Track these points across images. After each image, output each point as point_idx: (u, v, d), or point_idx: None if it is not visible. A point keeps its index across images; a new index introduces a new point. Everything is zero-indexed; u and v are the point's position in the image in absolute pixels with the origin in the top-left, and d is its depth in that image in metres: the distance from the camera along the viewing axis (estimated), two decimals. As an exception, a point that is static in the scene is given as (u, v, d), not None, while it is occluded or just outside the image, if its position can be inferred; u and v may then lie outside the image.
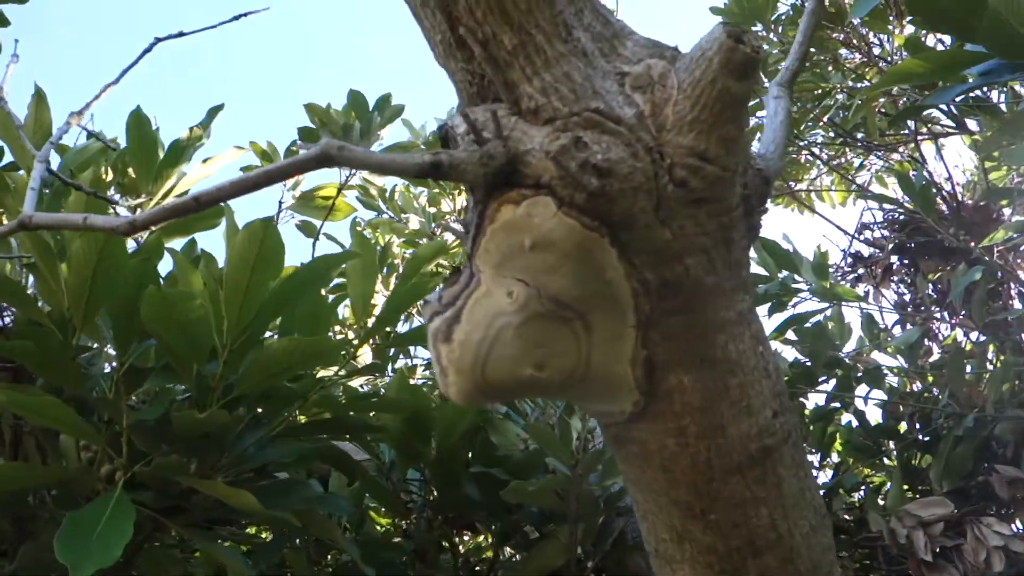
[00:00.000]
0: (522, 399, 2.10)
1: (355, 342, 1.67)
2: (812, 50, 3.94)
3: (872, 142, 4.51)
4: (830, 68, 3.84)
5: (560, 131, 0.86)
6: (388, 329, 1.88)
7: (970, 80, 1.44)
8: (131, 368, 1.52)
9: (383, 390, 2.37)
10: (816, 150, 4.79)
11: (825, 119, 4.01)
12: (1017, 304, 3.61)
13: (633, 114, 0.88)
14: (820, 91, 3.91)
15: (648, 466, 1.01)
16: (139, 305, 1.39)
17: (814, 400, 3.65)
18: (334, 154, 0.84)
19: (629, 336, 0.93)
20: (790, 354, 3.60)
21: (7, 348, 1.36)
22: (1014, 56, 1.31)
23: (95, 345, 1.60)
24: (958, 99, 1.60)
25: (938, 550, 3.00)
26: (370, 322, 1.66)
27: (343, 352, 1.58)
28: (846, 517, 3.60)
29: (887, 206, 3.97)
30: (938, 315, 3.87)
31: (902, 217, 4.09)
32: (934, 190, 3.72)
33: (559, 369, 0.91)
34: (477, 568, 2.25)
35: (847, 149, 4.88)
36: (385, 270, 3.83)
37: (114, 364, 1.54)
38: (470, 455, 2.09)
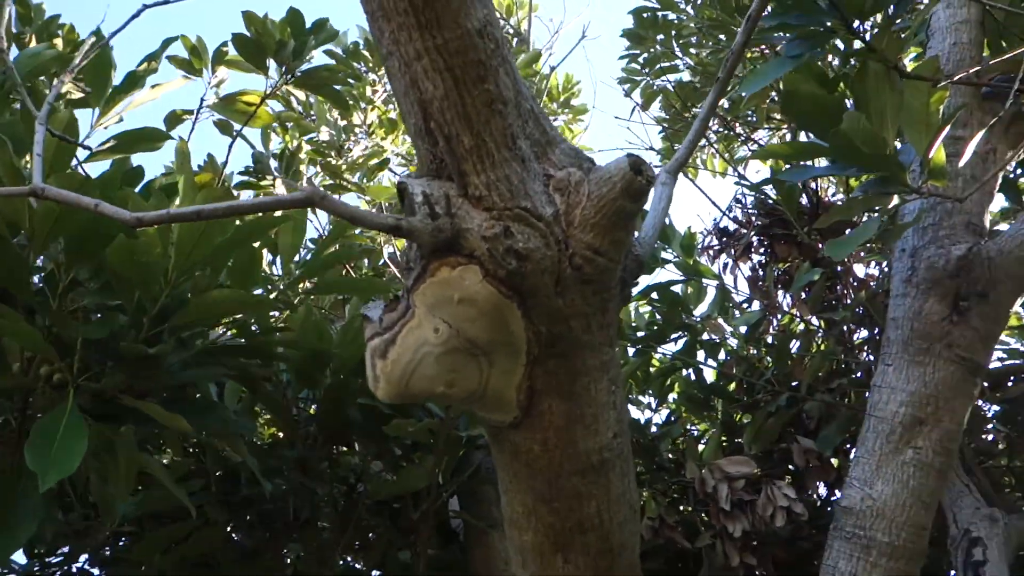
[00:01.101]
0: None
1: (279, 298, 1.92)
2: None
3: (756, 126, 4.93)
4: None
5: (496, 219, 1.14)
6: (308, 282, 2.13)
7: (821, 167, 1.80)
8: (73, 282, 1.73)
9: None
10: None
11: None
12: (848, 301, 4.12)
13: (551, 213, 1.17)
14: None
15: (516, 460, 1.34)
16: (90, 236, 1.60)
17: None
18: (316, 201, 1.09)
19: (519, 370, 1.24)
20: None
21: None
22: (852, 162, 1.66)
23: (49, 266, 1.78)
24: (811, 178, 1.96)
25: (736, 500, 3.48)
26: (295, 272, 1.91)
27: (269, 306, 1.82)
28: (669, 457, 4.04)
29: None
30: (780, 297, 4.35)
31: (769, 203, 4.52)
32: (800, 187, 4.15)
33: (464, 389, 1.22)
34: (349, 480, 2.57)
35: (734, 124, 5.27)
36: (288, 173, 3.98)
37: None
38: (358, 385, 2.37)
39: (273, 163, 4.01)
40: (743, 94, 3.49)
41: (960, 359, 2.07)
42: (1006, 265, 2.08)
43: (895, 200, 1.80)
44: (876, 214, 2.07)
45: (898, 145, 1.78)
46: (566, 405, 1.28)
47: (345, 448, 2.65)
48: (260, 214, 1.78)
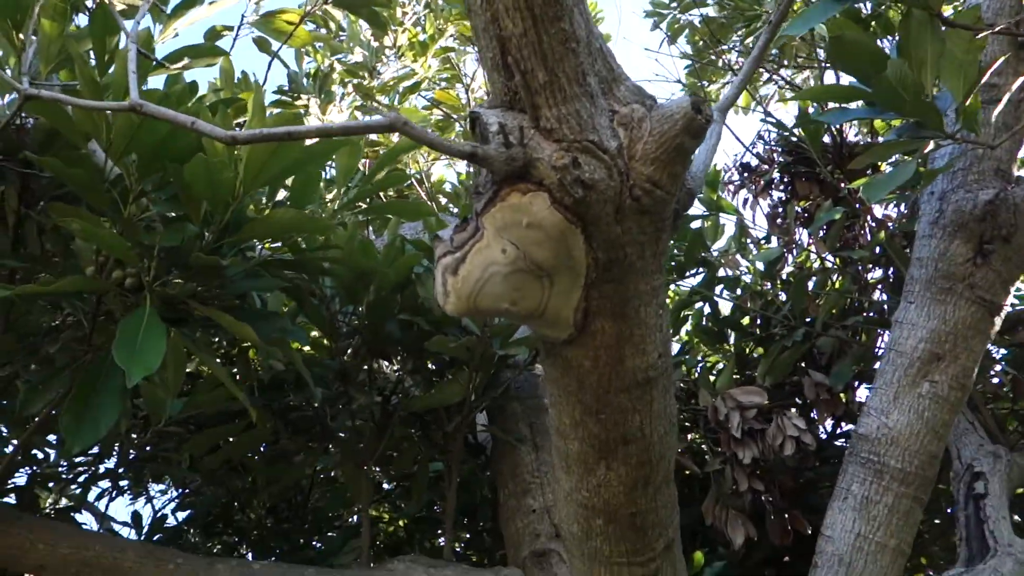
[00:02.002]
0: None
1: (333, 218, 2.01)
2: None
3: (784, 62, 4.93)
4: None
5: (565, 151, 1.22)
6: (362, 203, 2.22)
7: (861, 110, 1.87)
8: (141, 192, 1.82)
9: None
10: (733, 59, 5.17)
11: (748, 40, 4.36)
12: (865, 241, 4.19)
13: (615, 146, 1.26)
14: (752, 13, 4.25)
15: (567, 374, 1.45)
16: (163, 151, 1.69)
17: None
18: (399, 126, 1.18)
19: (577, 292, 1.34)
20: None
21: (60, 171, 1.64)
22: (892, 107, 1.73)
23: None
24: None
25: (747, 429, 3.61)
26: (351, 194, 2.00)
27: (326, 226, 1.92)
28: (681, 386, 4.17)
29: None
30: (799, 235, 4.43)
31: (793, 141, 4.56)
32: (825, 126, 4.18)
33: (526, 307, 1.32)
34: (385, 392, 2.70)
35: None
36: (321, 93, 4.03)
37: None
38: (399, 302, 2.49)
39: (305, 82, 4.05)
40: (788, 35, 3.49)
41: (981, 300, 2.16)
42: (1031, 211, 2.16)
43: (930, 145, 1.87)
44: (907, 157, 2.14)
45: (936, 91, 1.85)
46: (617, 326, 1.38)
47: (384, 362, 2.78)
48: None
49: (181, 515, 3.69)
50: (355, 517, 3.98)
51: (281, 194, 2.19)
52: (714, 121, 1.56)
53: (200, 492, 3.57)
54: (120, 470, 2.92)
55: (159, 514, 3.57)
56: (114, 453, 2.89)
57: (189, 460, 2.89)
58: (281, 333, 1.92)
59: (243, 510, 3.48)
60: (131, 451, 2.79)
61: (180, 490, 3.77)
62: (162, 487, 3.93)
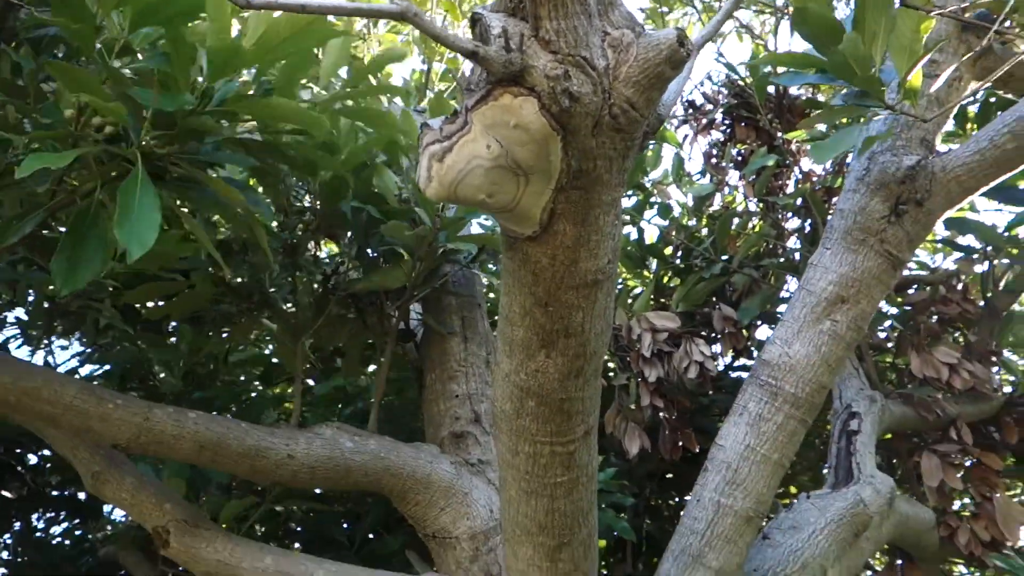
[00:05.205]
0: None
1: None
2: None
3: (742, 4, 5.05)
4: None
5: (559, 63, 1.34)
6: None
7: (813, 75, 2.05)
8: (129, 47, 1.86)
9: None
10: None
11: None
12: (790, 191, 4.44)
13: (603, 65, 1.38)
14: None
15: (524, 267, 1.59)
16: (159, 6, 1.73)
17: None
18: (409, 16, 1.28)
19: (548, 194, 1.47)
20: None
21: (53, 22, 1.66)
22: (842, 76, 1.90)
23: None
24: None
25: (656, 350, 3.85)
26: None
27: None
28: None
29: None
30: (731, 176, 4.64)
31: (739, 85, 4.73)
32: (772, 77, 4.36)
33: (500, 201, 1.45)
34: (327, 271, 2.80)
35: None
36: None
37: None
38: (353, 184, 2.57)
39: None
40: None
41: (888, 254, 2.40)
42: (944, 181, 2.39)
43: (871, 113, 2.05)
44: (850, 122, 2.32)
45: (881, 65, 2.02)
46: (577, 230, 1.53)
47: (331, 246, 2.87)
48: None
49: (90, 370, 3.74)
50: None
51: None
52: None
53: (108, 351, 3.62)
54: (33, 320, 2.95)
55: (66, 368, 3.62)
56: (28, 302, 2.92)
57: (120, 315, 2.95)
58: (254, 204, 2.00)
59: (154, 374, 3.57)
60: (46, 302, 2.83)
61: (86, 348, 3.80)
62: (64, 343, 3.94)
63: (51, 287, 2.43)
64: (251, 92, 1.88)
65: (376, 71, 2.13)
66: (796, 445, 2.49)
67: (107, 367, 3.65)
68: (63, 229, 2.30)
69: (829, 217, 2.64)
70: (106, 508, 4.42)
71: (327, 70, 2.10)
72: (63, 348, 4.01)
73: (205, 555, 2.38)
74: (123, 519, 4.60)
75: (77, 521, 4.38)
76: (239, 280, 2.77)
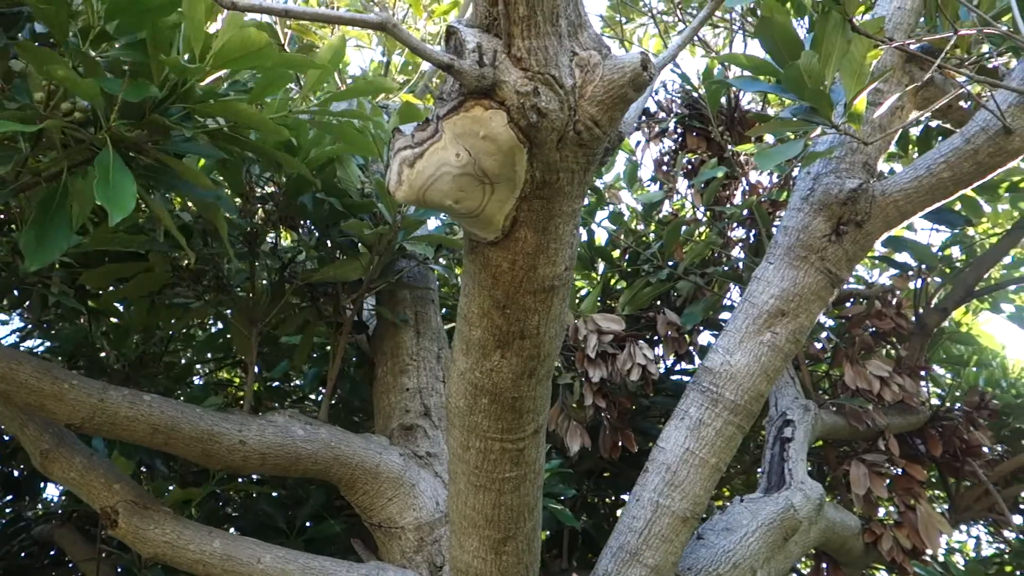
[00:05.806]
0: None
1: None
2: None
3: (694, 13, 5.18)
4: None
5: (529, 79, 1.41)
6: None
7: (768, 85, 2.15)
8: (104, 35, 1.87)
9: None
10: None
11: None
12: (737, 203, 4.57)
13: (571, 84, 1.45)
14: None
15: (485, 271, 1.66)
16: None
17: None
18: (388, 27, 1.34)
19: (512, 202, 1.54)
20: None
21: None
22: (794, 90, 2.00)
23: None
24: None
25: (601, 351, 3.94)
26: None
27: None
28: None
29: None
30: (680, 184, 4.76)
31: (693, 96, 4.85)
32: (725, 89, 4.49)
33: (466, 207, 1.52)
34: (284, 260, 2.83)
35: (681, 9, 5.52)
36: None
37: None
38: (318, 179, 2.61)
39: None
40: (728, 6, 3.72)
41: (828, 271, 2.52)
42: (884, 205, 2.52)
43: (817, 130, 2.15)
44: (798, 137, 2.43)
45: (832, 85, 2.13)
46: (537, 237, 1.60)
47: (290, 236, 2.90)
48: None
49: (30, 346, 3.70)
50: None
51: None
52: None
53: (52, 329, 3.60)
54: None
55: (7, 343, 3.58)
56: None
57: (75, 294, 2.94)
58: (216, 197, 2.03)
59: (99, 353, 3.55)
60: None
61: (26, 324, 3.77)
62: (4, 318, 3.89)
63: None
64: (221, 90, 1.92)
65: (349, 97, 2.17)
66: (733, 450, 2.60)
67: (52, 345, 3.62)
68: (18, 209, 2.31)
69: (773, 229, 2.77)
70: (41, 486, 4.38)
71: (307, 88, 2.15)
72: (2, 323, 3.97)
73: (153, 536, 2.40)
74: (58, 498, 4.57)
75: (11, 498, 4.32)
76: (196, 264, 2.78)
